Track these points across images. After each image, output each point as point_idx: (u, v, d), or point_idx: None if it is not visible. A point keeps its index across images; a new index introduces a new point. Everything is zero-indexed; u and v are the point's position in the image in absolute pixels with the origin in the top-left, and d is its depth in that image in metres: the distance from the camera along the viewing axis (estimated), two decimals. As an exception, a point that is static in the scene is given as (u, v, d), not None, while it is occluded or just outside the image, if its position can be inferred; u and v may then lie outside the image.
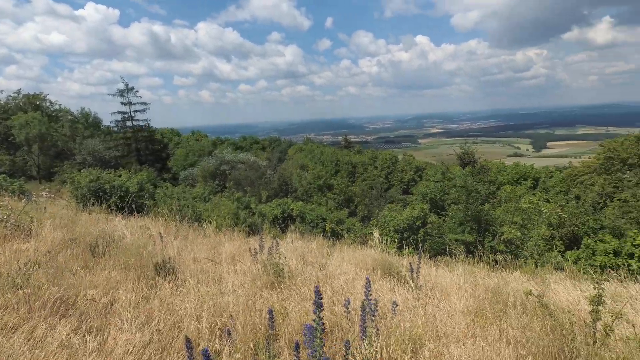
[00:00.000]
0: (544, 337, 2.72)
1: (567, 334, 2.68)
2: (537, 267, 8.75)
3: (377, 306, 3.05)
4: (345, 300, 3.05)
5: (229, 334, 2.42)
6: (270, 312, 2.49)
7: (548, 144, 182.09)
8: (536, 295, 3.05)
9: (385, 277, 5.10)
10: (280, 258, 5.08)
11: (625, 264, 9.81)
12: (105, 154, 29.27)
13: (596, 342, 2.72)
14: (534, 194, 30.20)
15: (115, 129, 37.51)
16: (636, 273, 8.85)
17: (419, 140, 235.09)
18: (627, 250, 10.19)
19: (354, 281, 4.76)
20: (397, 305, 3.20)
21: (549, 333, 2.81)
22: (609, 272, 8.26)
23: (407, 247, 10.44)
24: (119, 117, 36.62)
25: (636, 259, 9.87)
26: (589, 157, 36.04)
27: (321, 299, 1.77)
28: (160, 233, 6.05)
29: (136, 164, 32.84)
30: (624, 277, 7.23)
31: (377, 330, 2.83)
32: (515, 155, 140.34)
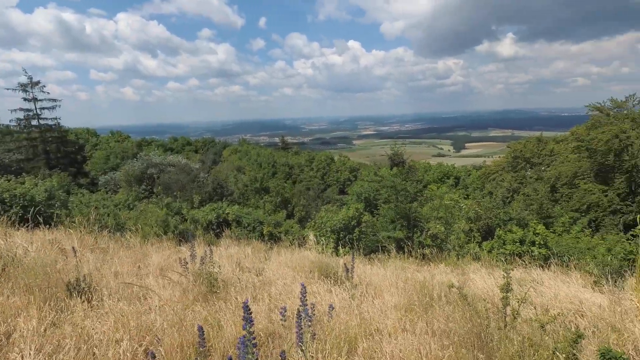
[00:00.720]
0: (464, 325, 2.97)
1: (483, 320, 2.97)
2: (458, 258, 9.61)
3: (313, 311, 3.06)
4: (281, 308, 3.00)
5: (153, 357, 2.22)
6: (200, 328, 2.35)
7: (466, 145, 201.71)
8: (457, 287, 3.33)
9: (323, 279, 5.16)
10: (214, 267, 4.85)
11: (529, 250, 11.24)
12: (5, 158, 25.35)
13: (506, 325, 3.04)
14: (455, 191, 33.22)
15: (17, 128, 32.63)
16: (537, 258, 10.19)
17: (354, 142, 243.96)
18: (530, 239, 11.66)
19: (292, 285, 4.73)
20: (333, 308, 3.25)
21: (468, 321, 3.08)
22: (516, 259, 9.38)
23: (343, 246, 10.73)
24: (21, 114, 31.91)
25: (537, 245, 11.34)
26: (499, 157, 40.74)
27: (250, 313, 1.71)
28: (73, 247, 5.38)
29: (45, 168, 28.95)
30: (528, 262, 8.28)
31: (314, 335, 2.83)
32: (439, 155, 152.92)
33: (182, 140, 57.07)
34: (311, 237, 7.60)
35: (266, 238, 12.55)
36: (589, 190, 20.45)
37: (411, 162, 27.35)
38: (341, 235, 10.80)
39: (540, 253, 10.96)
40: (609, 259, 7.28)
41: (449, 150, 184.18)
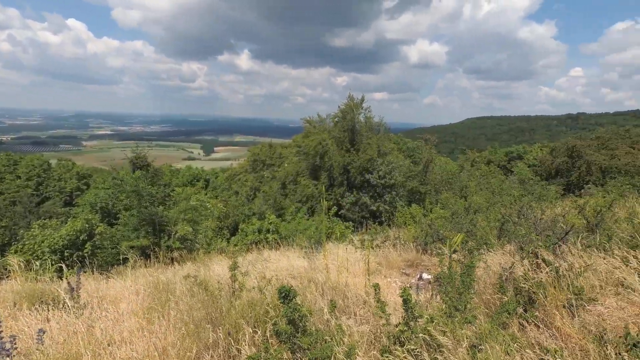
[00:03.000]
0: (199, 307, 3.27)
1: (215, 298, 3.37)
2: (208, 254, 10.09)
3: (15, 343, 2.49)
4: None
5: None
6: None
7: (215, 148, 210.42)
8: (193, 276, 3.61)
9: (37, 308, 4.16)
10: None
11: (266, 238, 13.31)
12: None
13: (237, 297, 3.58)
14: (206, 193, 34.10)
15: None
16: (272, 242, 12.18)
17: (84, 143, 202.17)
18: (266, 227, 13.83)
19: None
20: (44, 332, 2.73)
21: (205, 303, 3.41)
22: (257, 246, 10.84)
23: (71, 267, 8.86)
24: None
25: (271, 232, 13.59)
26: (244, 160, 45.27)
27: None
28: None
29: None
30: (263, 246, 9.78)
31: (16, 371, 2.31)
32: (190, 159, 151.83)
33: None
34: (14, 263, 5.88)
35: None
36: (306, 185, 26.29)
37: (157, 165, 25.84)
38: (67, 253, 8.89)
39: (273, 238, 13.20)
40: (313, 233, 9.75)
41: (200, 154, 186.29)
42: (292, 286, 2.22)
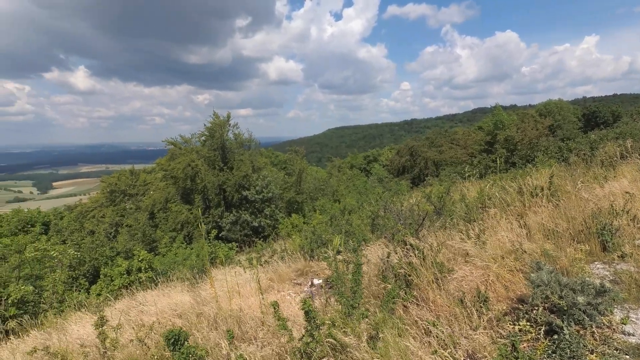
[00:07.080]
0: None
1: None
2: (60, 315, 8.14)
3: None
4: None
5: None
6: None
7: (54, 184, 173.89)
8: (42, 349, 2.84)
9: None
10: None
11: (137, 278, 11.56)
12: None
13: (107, 357, 2.98)
14: (48, 239, 27.70)
15: None
16: (146, 282, 10.69)
17: None
18: (136, 266, 12.04)
19: None
20: None
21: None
22: (122, 291, 9.35)
23: None
24: None
25: (143, 271, 11.91)
26: (96, 193, 38.61)
27: None
28: None
29: None
30: (136, 289, 8.50)
31: None
32: (17, 200, 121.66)
33: None
34: None
35: None
36: (179, 211, 24.16)
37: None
38: None
39: (148, 277, 11.59)
40: (194, 262, 8.98)
41: (32, 193, 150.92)
42: (180, 328, 1.96)
